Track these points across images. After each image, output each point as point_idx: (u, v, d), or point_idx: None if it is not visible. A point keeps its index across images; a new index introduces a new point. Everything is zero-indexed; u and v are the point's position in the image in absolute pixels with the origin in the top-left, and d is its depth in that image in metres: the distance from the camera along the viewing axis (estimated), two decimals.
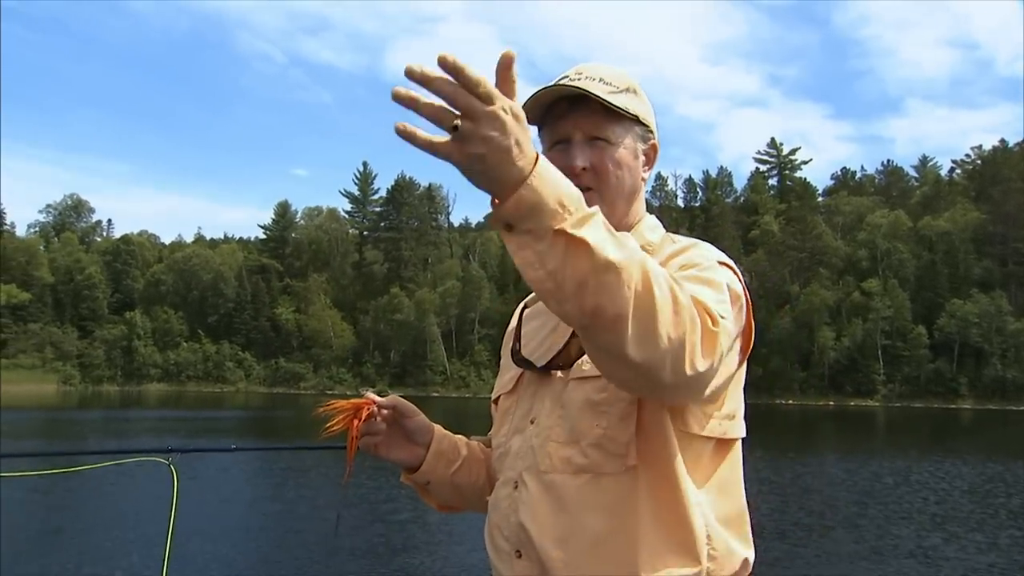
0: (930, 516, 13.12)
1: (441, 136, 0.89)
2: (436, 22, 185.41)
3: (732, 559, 1.23)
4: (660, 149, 1.39)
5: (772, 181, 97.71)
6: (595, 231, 0.93)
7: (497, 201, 0.92)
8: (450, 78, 0.86)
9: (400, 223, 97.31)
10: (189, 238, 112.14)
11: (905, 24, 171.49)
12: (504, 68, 0.90)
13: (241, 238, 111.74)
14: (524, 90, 1.26)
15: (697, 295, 1.05)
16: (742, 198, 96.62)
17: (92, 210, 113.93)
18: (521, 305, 1.51)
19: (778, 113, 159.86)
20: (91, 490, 13.71)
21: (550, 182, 0.93)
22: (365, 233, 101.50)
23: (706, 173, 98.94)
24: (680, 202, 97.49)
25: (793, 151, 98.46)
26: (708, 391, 1.12)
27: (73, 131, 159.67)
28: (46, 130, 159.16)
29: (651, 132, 1.36)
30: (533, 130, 1.35)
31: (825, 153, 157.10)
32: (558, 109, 1.30)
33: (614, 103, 1.27)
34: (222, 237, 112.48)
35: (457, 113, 0.88)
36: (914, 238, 78.94)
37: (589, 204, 0.94)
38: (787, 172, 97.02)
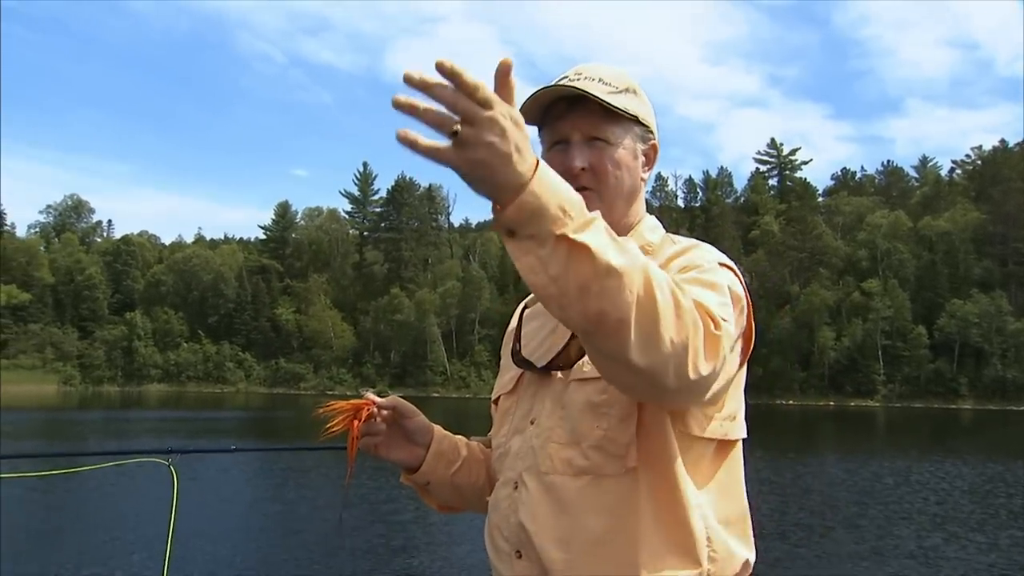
0: (930, 516, 13.11)
1: (443, 142, 0.89)
2: (436, 22, 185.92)
3: (733, 561, 1.23)
4: (660, 149, 1.39)
5: (772, 181, 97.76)
6: (596, 236, 0.93)
7: (499, 207, 0.93)
8: (448, 83, 0.86)
9: (400, 223, 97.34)
10: (189, 239, 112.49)
11: (905, 24, 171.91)
12: (502, 75, 0.90)
13: (241, 238, 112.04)
14: (524, 90, 1.26)
15: (699, 298, 1.05)
16: (742, 198, 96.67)
17: (92, 210, 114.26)
18: (521, 305, 1.51)
19: (778, 113, 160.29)
20: (91, 491, 13.70)
21: (551, 187, 0.93)
22: (365, 233, 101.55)
23: (706, 173, 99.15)
24: (680, 202, 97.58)
25: (793, 151, 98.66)
26: (709, 394, 1.12)
27: (73, 131, 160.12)
28: (46, 130, 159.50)
29: (651, 132, 1.36)
30: (533, 131, 1.35)
31: (825, 153, 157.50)
32: (557, 110, 1.30)
33: (612, 103, 1.26)
34: (222, 238, 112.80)
35: (457, 119, 0.88)
36: (914, 238, 78.96)
37: (588, 204, 0.95)
38: (787, 172, 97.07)
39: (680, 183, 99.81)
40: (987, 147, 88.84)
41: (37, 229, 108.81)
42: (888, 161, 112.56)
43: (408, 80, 0.86)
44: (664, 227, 1.40)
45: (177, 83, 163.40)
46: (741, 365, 1.23)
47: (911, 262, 76.54)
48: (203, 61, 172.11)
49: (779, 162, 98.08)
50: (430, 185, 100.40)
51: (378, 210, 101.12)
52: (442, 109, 0.87)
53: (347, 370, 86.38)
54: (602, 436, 1.21)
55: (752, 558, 1.27)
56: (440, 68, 0.85)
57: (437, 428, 1.51)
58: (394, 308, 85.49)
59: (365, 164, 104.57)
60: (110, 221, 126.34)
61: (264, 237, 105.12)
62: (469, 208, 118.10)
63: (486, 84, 0.88)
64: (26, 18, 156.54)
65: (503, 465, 1.35)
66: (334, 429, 1.41)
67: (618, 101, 1.28)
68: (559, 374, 1.29)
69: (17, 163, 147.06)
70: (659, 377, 0.99)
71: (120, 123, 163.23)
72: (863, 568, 9.66)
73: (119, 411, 47.61)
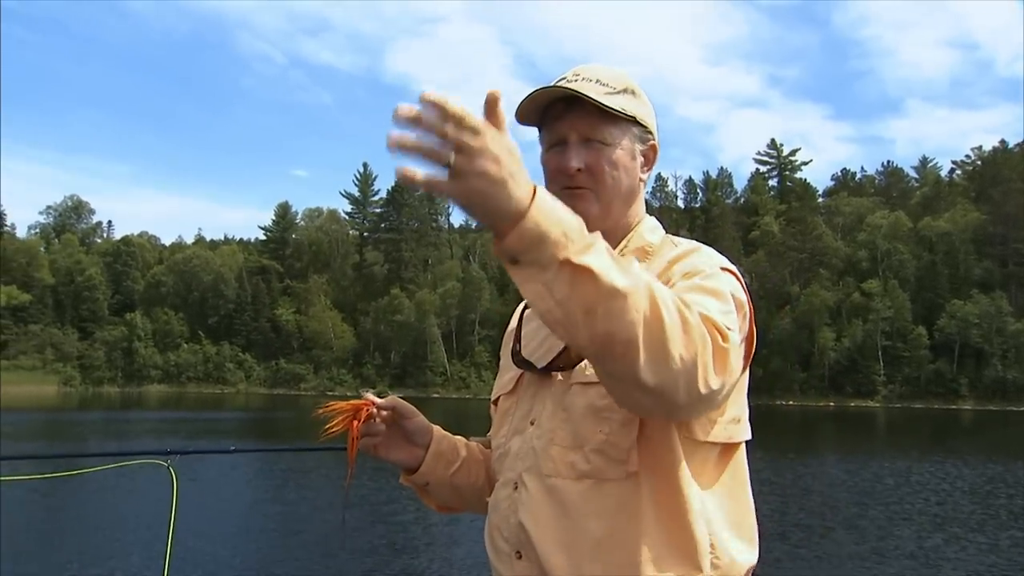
0: (931, 517, 13.11)
1: (439, 174, 0.89)
2: (436, 23, 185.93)
3: (735, 567, 1.22)
4: (660, 150, 1.38)
5: (772, 182, 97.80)
6: (598, 258, 0.93)
7: (500, 236, 0.93)
8: (436, 114, 0.87)
9: (400, 224, 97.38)
10: (189, 239, 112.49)
11: (905, 24, 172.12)
12: (491, 107, 0.91)
13: (241, 239, 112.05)
14: (524, 91, 1.26)
15: (704, 309, 1.05)
16: (742, 199, 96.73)
17: (92, 211, 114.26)
18: (521, 306, 1.50)
19: (778, 114, 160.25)
20: (91, 492, 13.69)
21: (550, 212, 0.93)
22: (365, 234, 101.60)
23: (706, 174, 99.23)
24: (680, 203, 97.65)
25: (793, 152, 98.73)
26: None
27: (73, 132, 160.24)
28: (46, 131, 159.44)
29: (650, 133, 1.35)
30: (533, 131, 1.35)
31: (825, 154, 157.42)
32: (555, 110, 1.30)
33: (608, 104, 1.26)
34: (222, 238, 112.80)
35: (450, 150, 0.88)
36: (914, 239, 78.97)
37: (586, 205, 0.95)
38: (787, 173, 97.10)
39: (680, 184, 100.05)
40: (987, 147, 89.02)
41: (37, 230, 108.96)
42: (888, 162, 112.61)
43: (398, 117, 0.86)
44: (664, 228, 1.40)
45: (177, 83, 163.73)
46: (744, 369, 1.23)
47: (911, 263, 76.55)
48: (203, 61, 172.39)
49: (779, 163, 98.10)
50: None
51: (378, 211, 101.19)
52: (435, 142, 0.88)
53: (347, 371, 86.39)
54: (604, 440, 1.20)
55: (755, 561, 1.27)
56: (424, 100, 0.86)
57: (436, 429, 1.50)
58: (394, 309, 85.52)
59: (365, 165, 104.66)
60: (110, 222, 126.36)
61: (264, 238, 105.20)
62: None
63: (470, 113, 0.88)
64: (26, 19, 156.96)
65: (503, 466, 1.35)
66: (334, 430, 1.41)
67: (615, 102, 1.27)
68: (559, 375, 1.29)
69: (17, 164, 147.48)
70: (670, 394, 1.00)
71: (120, 123, 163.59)
72: (863, 569, 9.66)
73: (119, 412, 47.61)
